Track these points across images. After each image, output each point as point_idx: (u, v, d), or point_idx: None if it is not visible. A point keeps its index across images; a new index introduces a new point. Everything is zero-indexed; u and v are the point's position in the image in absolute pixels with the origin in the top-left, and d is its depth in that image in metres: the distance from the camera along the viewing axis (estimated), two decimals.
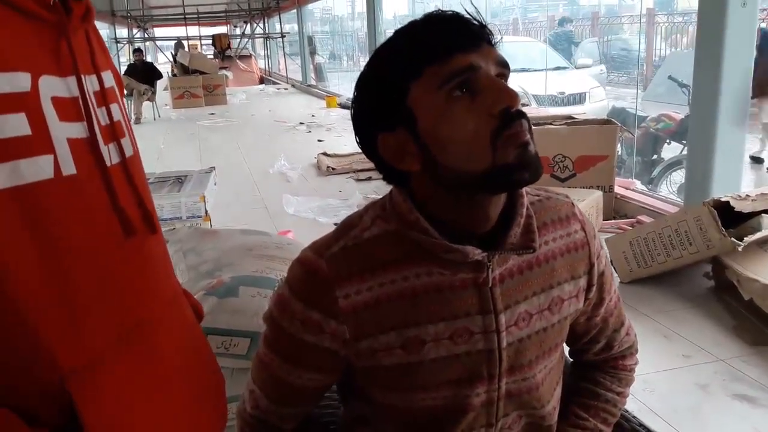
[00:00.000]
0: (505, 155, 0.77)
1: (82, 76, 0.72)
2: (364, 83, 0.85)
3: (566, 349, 1.13)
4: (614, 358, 1.07)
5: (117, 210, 0.74)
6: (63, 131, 0.68)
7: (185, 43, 20.05)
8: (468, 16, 0.81)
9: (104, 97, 0.77)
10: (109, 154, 0.75)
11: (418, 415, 0.90)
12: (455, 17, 0.80)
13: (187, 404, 0.85)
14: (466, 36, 0.79)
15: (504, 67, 0.81)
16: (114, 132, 0.78)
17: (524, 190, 0.87)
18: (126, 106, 0.86)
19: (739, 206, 2.99)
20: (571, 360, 1.12)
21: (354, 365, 0.89)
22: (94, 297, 0.71)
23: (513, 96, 0.77)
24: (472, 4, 0.84)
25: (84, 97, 0.72)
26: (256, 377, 0.96)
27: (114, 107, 0.79)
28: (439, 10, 0.81)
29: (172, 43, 21.02)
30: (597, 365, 1.08)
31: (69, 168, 0.68)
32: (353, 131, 0.88)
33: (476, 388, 0.88)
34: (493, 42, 0.82)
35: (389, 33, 0.93)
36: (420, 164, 0.82)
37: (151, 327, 0.79)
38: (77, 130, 0.71)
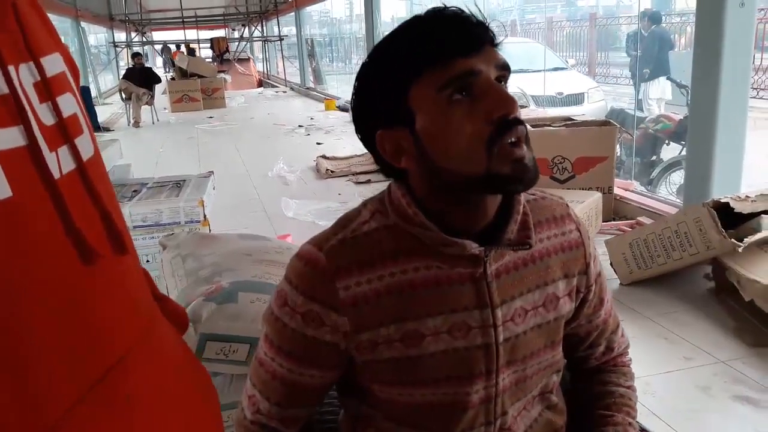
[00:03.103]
0: (501, 165, 0.79)
1: (11, 67, 0.57)
2: (365, 78, 0.86)
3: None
4: (613, 358, 1.09)
5: (72, 233, 0.59)
6: None
7: (171, 47, 20.13)
8: (471, 15, 0.81)
9: (48, 88, 0.61)
10: (58, 162, 0.60)
11: (419, 411, 0.90)
12: (458, 17, 0.80)
13: None
14: (468, 39, 0.79)
15: (504, 69, 0.82)
16: (65, 131, 0.62)
17: None
18: (78, 110, 0.67)
19: (739, 207, 2.98)
20: (571, 375, 1.12)
21: (355, 360, 0.89)
22: (50, 353, 0.56)
23: (511, 103, 0.79)
24: (475, 4, 0.85)
25: (15, 93, 0.56)
26: (255, 380, 0.96)
27: (64, 99, 0.64)
28: (444, 6, 0.82)
29: (172, 47, 21.10)
30: (599, 369, 1.09)
31: (1, 190, 0.53)
32: (353, 123, 0.90)
33: (475, 384, 0.89)
34: (495, 42, 0.82)
35: None
36: (416, 163, 0.84)
37: (123, 371, 0.64)
38: (11, 137, 0.56)
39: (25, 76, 0.59)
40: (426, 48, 0.79)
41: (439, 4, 0.84)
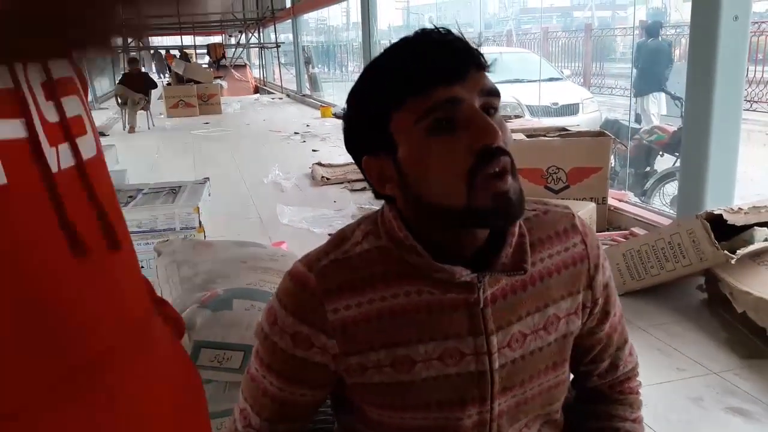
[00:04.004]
0: (482, 199, 0.76)
1: (19, 64, 0.59)
2: (351, 103, 0.85)
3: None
4: (620, 381, 1.05)
5: (64, 226, 0.61)
6: None
7: (162, 52, 20.30)
8: (457, 38, 0.78)
9: (54, 88, 0.64)
10: (57, 157, 0.62)
11: None
12: (443, 42, 0.78)
13: None
14: (451, 66, 0.76)
15: (491, 95, 0.78)
16: (67, 130, 0.64)
17: None
18: (83, 113, 0.70)
19: (732, 219, 3.00)
20: (576, 394, 1.08)
21: (345, 381, 0.89)
22: (30, 334, 0.58)
23: (493, 133, 0.75)
24: (459, 30, 0.81)
25: (19, 88, 0.59)
26: (247, 395, 0.95)
27: (70, 100, 0.66)
28: (432, 29, 0.79)
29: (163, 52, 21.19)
30: (605, 394, 1.04)
31: None
32: (345, 146, 0.89)
33: (467, 410, 0.87)
34: (483, 66, 0.79)
35: (384, 43, 0.91)
36: (400, 191, 0.82)
37: (111, 365, 0.65)
38: (11, 128, 0.58)
39: (33, 74, 0.61)
40: (407, 77, 0.77)
41: (434, 17, 0.82)
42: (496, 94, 0.79)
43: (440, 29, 0.79)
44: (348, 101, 0.85)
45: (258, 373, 0.92)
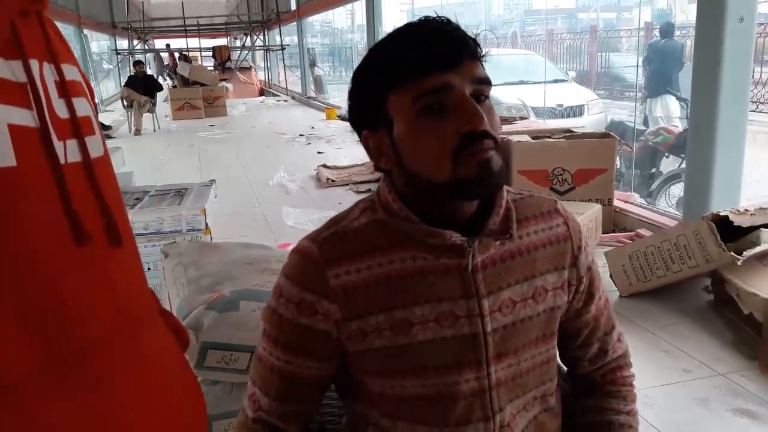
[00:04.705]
0: (466, 170, 0.83)
1: (35, 61, 0.63)
2: (354, 80, 0.92)
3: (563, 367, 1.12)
4: (612, 369, 1.08)
5: (69, 213, 0.63)
6: (2, 114, 0.58)
7: (164, 55, 20.43)
8: (455, 27, 0.85)
9: (65, 88, 0.67)
10: (65, 151, 0.65)
11: (410, 403, 0.93)
12: (442, 31, 0.84)
13: None
14: (446, 54, 0.83)
15: (482, 83, 0.85)
16: (77, 128, 0.67)
17: (505, 186, 0.93)
18: (91, 114, 0.74)
19: (738, 220, 3.00)
20: (572, 384, 1.10)
21: (347, 350, 0.93)
22: (25, 312, 0.60)
23: (479, 119, 0.82)
24: (456, 18, 0.87)
25: (33, 83, 0.62)
26: (255, 377, 0.99)
27: (80, 101, 0.70)
28: (433, 18, 0.85)
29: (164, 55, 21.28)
30: (598, 384, 1.07)
31: (6, 158, 0.57)
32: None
33: (464, 374, 0.90)
34: (478, 56, 0.86)
35: None
36: (394, 165, 0.90)
37: (99, 353, 0.66)
38: (23, 117, 0.60)
39: (47, 73, 0.65)
40: (405, 60, 0.83)
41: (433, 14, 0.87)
42: (487, 82, 0.86)
43: (441, 18, 0.85)
44: (352, 79, 0.92)
45: (265, 352, 0.97)
